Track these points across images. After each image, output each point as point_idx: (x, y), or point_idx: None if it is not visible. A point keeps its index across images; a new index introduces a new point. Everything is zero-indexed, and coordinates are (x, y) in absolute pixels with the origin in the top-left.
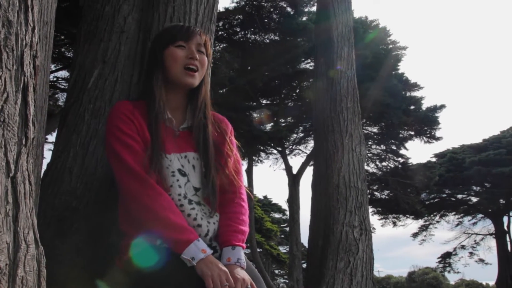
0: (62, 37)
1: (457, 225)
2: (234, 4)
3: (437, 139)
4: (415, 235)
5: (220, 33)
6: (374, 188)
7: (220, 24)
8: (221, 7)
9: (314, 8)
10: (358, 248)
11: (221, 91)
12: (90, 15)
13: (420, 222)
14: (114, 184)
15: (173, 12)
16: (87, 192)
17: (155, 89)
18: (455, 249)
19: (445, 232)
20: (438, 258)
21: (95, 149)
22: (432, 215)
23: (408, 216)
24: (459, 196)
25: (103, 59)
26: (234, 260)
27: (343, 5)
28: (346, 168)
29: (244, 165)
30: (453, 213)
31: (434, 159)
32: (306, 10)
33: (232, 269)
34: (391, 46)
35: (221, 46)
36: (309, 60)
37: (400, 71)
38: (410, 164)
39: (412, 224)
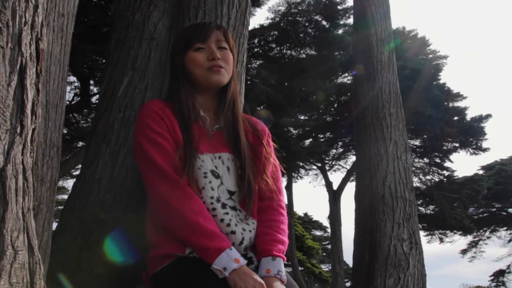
0: (104, 60)
1: (510, 241)
2: (269, 21)
3: (484, 150)
4: (464, 251)
5: (255, 50)
6: (419, 202)
7: (256, 41)
8: (256, 24)
9: (350, 20)
10: (408, 263)
11: (259, 108)
12: (120, 24)
13: (469, 238)
14: (144, 195)
15: (204, 16)
16: (116, 204)
17: (182, 97)
18: (508, 266)
19: (497, 249)
20: (490, 276)
21: (124, 159)
22: (481, 231)
23: (455, 231)
24: (511, 210)
25: (133, 67)
26: (274, 272)
27: (382, 9)
28: (391, 177)
29: (283, 182)
30: (504, 228)
31: (481, 172)
32: (341, 22)
33: (271, 282)
34: (430, 55)
35: (257, 63)
36: (346, 74)
37: (441, 81)
38: (456, 177)
39: (460, 240)
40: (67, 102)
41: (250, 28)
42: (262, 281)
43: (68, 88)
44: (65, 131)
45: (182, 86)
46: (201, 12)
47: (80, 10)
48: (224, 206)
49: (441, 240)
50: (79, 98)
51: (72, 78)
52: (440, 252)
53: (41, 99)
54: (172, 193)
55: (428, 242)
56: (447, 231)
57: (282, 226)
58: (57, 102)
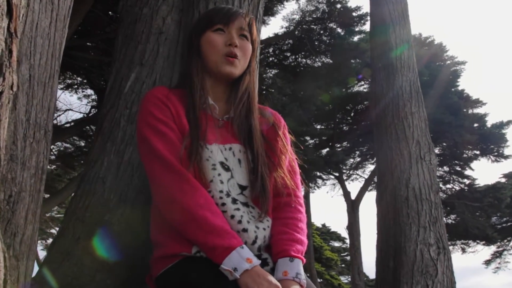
0: None
1: None
2: (283, 30)
3: (506, 157)
4: (487, 262)
5: (270, 59)
6: None
7: (271, 50)
8: (270, 32)
9: (365, 27)
10: (436, 270)
11: None
12: (128, 19)
13: (493, 248)
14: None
15: None
16: (122, 204)
17: (194, 78)
18: None
19: None
20: None
21: (131, 157)
22: (505, 240)
23: (478, 241)
24: None
25: (140, 62)
26: (292, 275)
27: (399, 7)
28: (415, 179)
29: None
30: None
31: (503, 180)
32: (357, 29)
33: (289, 286)
34: (448, 62)
35: (272, 72)
36: (362, 82)
37: (460, 88)
38: (477, 186)
39: (483, 251)
40: (84, 115)
41: (264, 37)
42: (278, 283)
43: (85, 100)
44: (82, 144)
45: (195, 67)
46: (211, 4)
47: (96, 23)
48: (234, 201)
49: (463, 251)
50: (96, 110)
51: (89, 91)
52: (463, 263)
53: (23, 71)
54: (176, 186)
55: None
56: (470, 241)
57: (300, 225)
58: (45, 80)
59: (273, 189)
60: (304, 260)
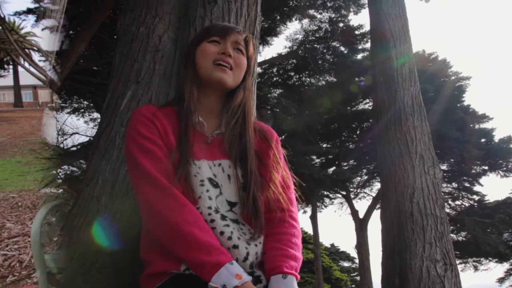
0: None
1: None
2: (287, 50)
3: None
4: (501, 280)
5: (275, 79)
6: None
7: (275, 70)
8: (274, 53)
9: (368, 45)
10: (444, 287)
11: (280, 138)
12: (125, 38)
13: (506, 265)
14: None
15: None
16: (116, 223)
17: (186, 89)
18: None
19: None
20: None
21: (126, 175)
22: None
23: (490, 259)
24: None
25: (137, 80)
26: None
27: (399, 22)
28: (419, 194)
29: (307, 212)
30: None
31: None
32: (360, 47)
33: None
34: (453, 77)
35: (277, 92)
36: (367, 100)
37: (465, 103)
38: (487, 202)
39: (496, 268)
40: (91, 138)
41: (268, 57)
42: None
43: (92, 124)
44: None
45: (189, 77)
46: (207, 22)
47: (101, 47)
48: (224, 217)
49: (476, 268)
50: None
51: (95, 115)
52: (476, 282)
53: None
54: (162, 202)
55: (461, 271)
56: (482, 259)
57: (294, 240)
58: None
59: (265, 205)
60: (298, 276)
